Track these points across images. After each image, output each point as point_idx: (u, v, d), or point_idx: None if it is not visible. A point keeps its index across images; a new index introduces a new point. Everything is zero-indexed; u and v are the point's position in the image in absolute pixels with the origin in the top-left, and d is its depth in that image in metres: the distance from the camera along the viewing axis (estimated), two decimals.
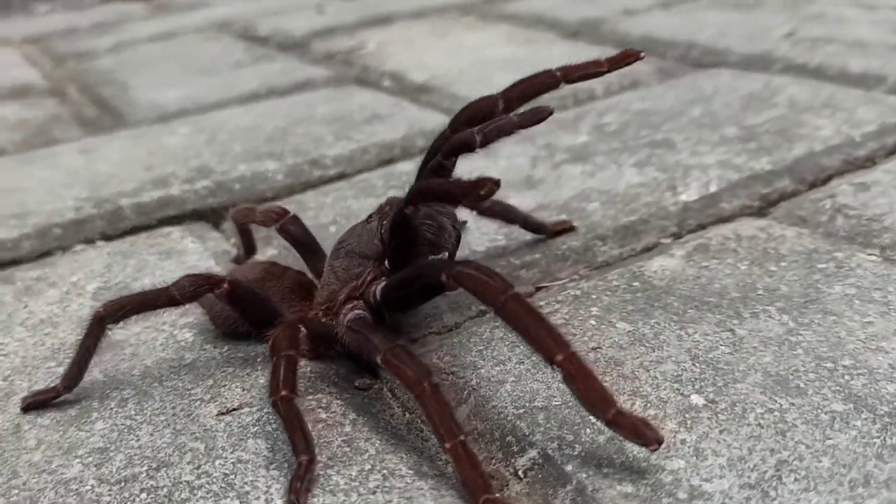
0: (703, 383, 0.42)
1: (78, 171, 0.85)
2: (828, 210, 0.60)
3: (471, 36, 1.29)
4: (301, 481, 0.38)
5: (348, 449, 0.41)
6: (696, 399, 0.41)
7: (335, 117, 0.94)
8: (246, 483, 0.40)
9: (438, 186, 0.42)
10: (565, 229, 0.61)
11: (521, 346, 0.47)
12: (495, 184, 0.38)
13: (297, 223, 0.55)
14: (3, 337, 0.56)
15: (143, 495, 0.40)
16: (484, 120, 0.49)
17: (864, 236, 0.56)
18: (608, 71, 0.50)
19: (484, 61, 1.12)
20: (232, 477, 0.40)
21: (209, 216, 0.74)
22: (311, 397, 0.46)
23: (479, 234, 0.63)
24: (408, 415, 0.44)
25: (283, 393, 0.40)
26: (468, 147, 0.47)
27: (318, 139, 0.87)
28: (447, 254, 0.48)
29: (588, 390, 0.37)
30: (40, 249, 0.70)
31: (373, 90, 1.06)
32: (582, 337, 0.48)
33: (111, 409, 0.47)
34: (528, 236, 0.61)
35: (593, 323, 0.49)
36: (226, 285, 0.47)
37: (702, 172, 0.68)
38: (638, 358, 0.45)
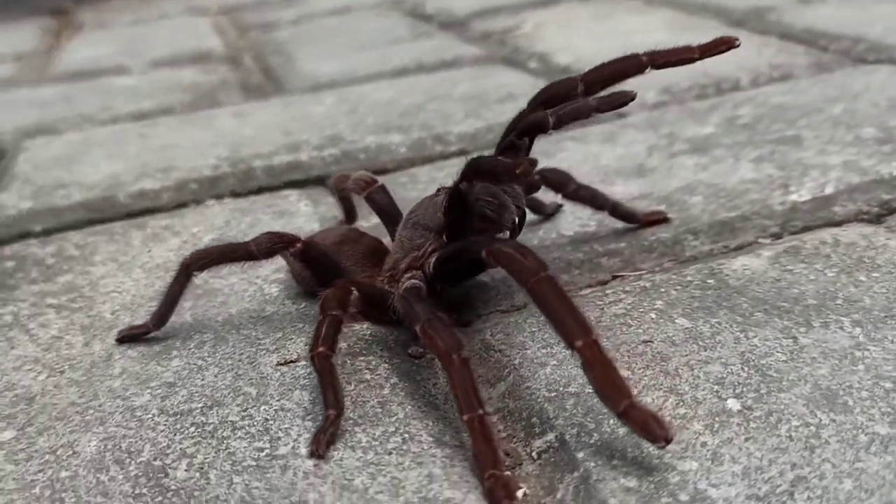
0: (745, 388, 0.41)
1: (226, 133, 0.92)
2: None
3: (631, 20, 1.26)
4: (325, 433, 0.40)
5: (380, 410, 0.43)
6: (732, 403, 0.40)
7: (471, 95, 0.96)
8: (281, 430, 0.42)
9: (486, 163, 0.42)
10: (658, 220, 0.59)
11: None
12: (531, 164, 0.39)
13: (383, 193, 0.57)
14: (123, 276, 0.62)
15: (192, 429, 0.43)
16: (563, 101, 0.49)
17: None
18: (700, 58, 0.49)
19: (635, 46, 1.09)
20: (271, 422, 0.43)
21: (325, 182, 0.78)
22: (362, 358, 0.48)
23: (573, 219, 0.62)
24: None
25: (321, 349, 0.42)
26: (541, 128, 0.48)
27: (447, 116, 0.89)
28: (508, 233, 0.48)
29: (603, 379, 0.36)
30: (176, 201, 0.77)
31: (517, 70, 1.06)
32: (637, 329, 0.47)
33: (190, 349, 0.51)
34: (621, 224, 0.60)
35: (653, 316, 0.48)
36: (299, 245, 0.50)
37: (822, 173, 0.64)
38: (687, 356, 0.44)
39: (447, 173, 0.75)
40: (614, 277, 0.54)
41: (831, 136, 0.70)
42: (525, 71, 1.06)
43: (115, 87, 1.22)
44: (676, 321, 0.47)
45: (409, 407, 0.44)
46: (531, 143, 0.50)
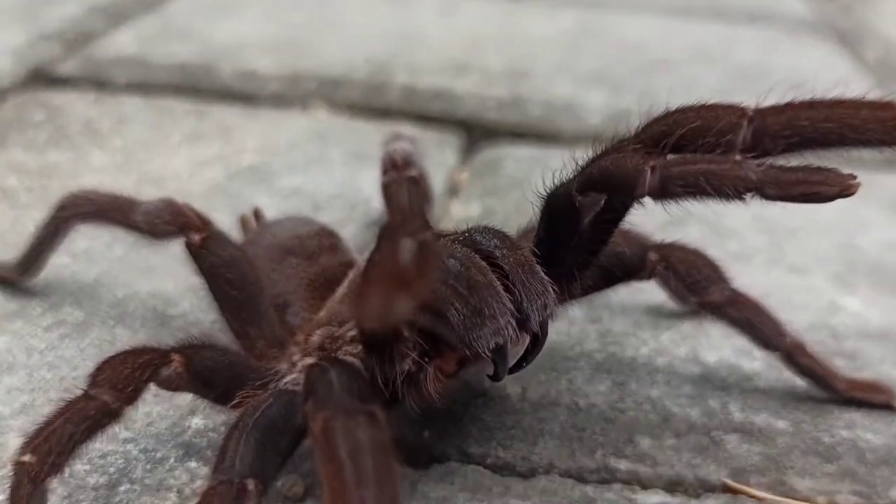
0: None
1: (419, 25, 0.72)
2: None
3: None
4: None
5: None
6: None
7: (750, 68, 0.67)
8: None
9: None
10: (872, 402, 0.32)
11: None
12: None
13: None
14: (109, 179, 0.46)
15: None
16: (707, 146, 0.24)
17: None
18: None
19: None
20: None
21: (471, 131, 0.56)
22: (192, 462, 0.28)
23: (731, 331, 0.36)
24: None
25: (27, 459, 0.23)
26: (626, 187, 0.23)
27: (691, 84, 0.62)
28: (491, 362, 0.24)
29: None
30: (279, 96, 0.59)
31: (840, 55, 0.74)
32: None
33: (37, 326, 0.34)
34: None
35: None
36: (197, 235, 0.30)
37: None
38: None
39: None
40: (725, 489, 0.29)
41: None
42: (853, 59, 0.74)
43: None
44: None
45: None
46: (623, 204, 0.25)
